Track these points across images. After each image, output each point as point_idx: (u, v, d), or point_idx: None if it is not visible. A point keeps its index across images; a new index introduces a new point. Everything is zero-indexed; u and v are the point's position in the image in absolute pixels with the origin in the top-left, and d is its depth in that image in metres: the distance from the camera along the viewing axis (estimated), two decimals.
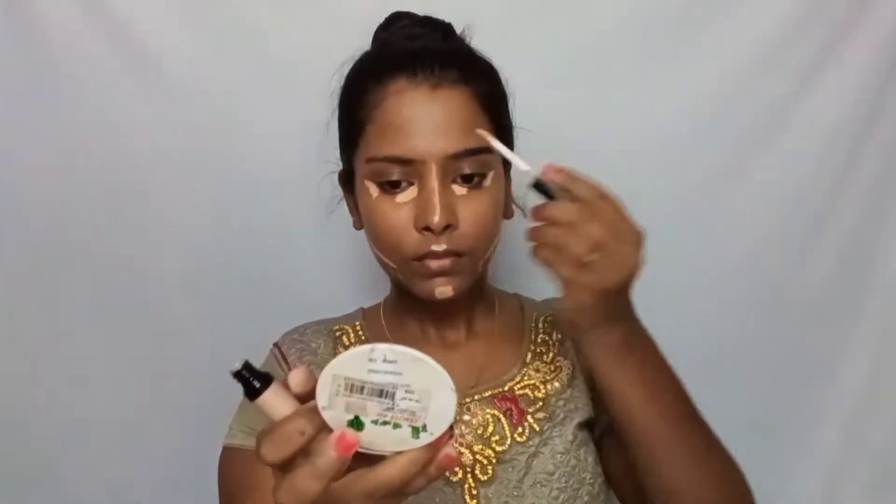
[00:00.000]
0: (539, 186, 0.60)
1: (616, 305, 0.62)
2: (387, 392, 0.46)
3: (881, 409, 1.15)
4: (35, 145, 1.05)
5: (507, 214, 0.79)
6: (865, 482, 1.16)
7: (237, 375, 0.48)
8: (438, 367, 0.46)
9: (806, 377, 1.15)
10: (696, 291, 1.12)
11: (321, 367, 0.76)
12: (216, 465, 0.78)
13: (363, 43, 0.78)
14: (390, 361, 0.46)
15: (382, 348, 0.46)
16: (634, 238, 0.59)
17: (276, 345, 0.82)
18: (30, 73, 1.03)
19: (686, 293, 1.11)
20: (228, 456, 0.77)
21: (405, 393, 0.46)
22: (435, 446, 0.48)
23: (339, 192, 0.81)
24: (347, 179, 0.77)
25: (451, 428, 0.48)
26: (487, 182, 0.70)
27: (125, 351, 1.10)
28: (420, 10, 0.78)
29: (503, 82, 0.76)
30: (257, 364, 0.77)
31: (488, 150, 0.69)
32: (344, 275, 1.09)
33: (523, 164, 0.62)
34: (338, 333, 0.81)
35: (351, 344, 0.80)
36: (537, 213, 0.60)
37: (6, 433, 1.11)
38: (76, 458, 1.11)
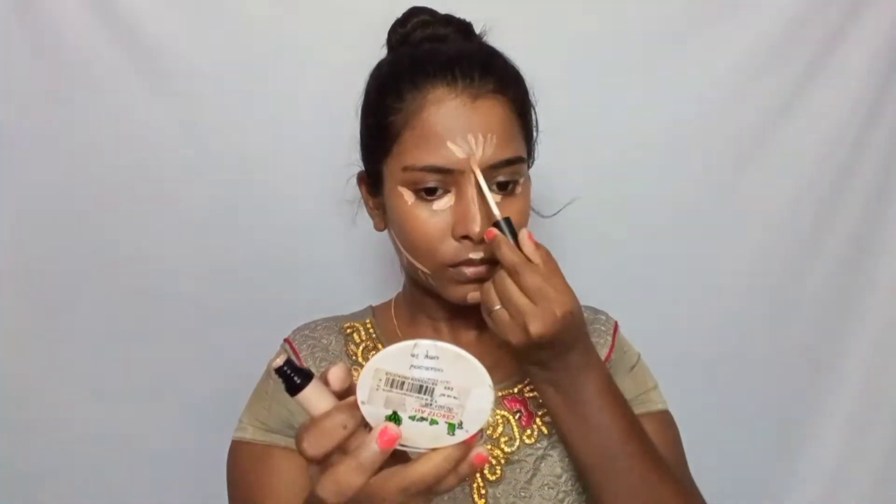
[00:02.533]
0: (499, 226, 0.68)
1: (531, 356, 0.67)
2: (426, 388, 0.49)
3: (882, 407, 1.21)
4: (48, 146, 1.08)
5: None
6: (868, 479, 1.22)
7: (279, 371, 0.50)
8: (479, 364, 0.49)
9: (808, 376, 1.20)
10: (698, 292, 1.17)
11: (332, 363, 0.78)
12: (222, 463, 0.80)
13: (375, 43, 0.79)
14: (432, 357, 0.48)
15: (425, 344, 0.49)
16: (548, 317, 0.63)
17: (286, 340, 0.84)
18: (44, 77, 1.06)
19: (689, 293, 1.16)
20: (238, 449, 0.79)
21: (444, 389, 0.49)
22: (468, 444, 0.50)
23: (348, 188, 0.83)
24: (372, 182, 0.78)
25: (481, 429, 0.50)
26: (519, 189, 0.73)
27: (133, 350, 1.13)
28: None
29: (528, 88, 0.77)
30: (268, 358, 0.80)
31: (522, 159, 0.72)
32: (352, 273, 1.12)
33: (497, 212, 0.68)
34: (348, 331, 0.84)
35: (362, 341, 0.82)
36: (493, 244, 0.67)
37: (8, 433, 1.12)
38: (80, 458, 1.14)
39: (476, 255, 0.71)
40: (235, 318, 1.12)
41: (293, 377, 0.50)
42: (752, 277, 1.18)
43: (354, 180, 0.82)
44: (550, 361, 0.67)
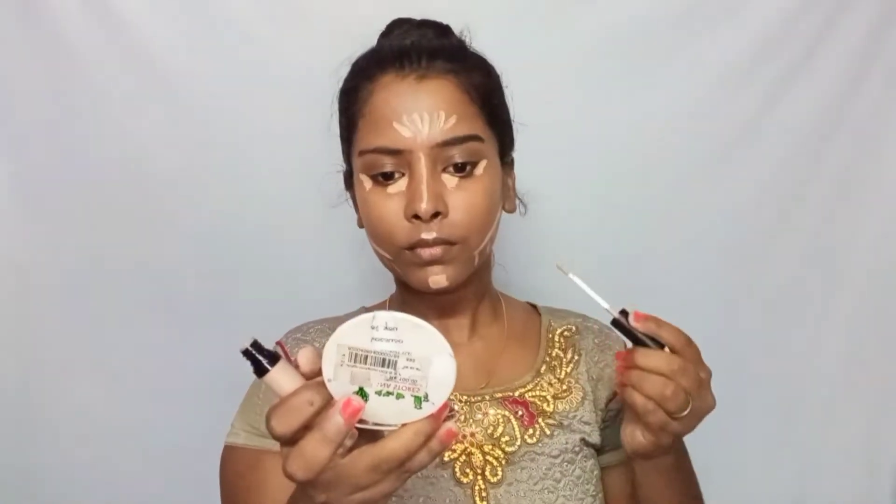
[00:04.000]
0: (617, 324, 0.64)
1: (678, 440, 0.70)
2: (389, 361, 0.49)
3: (854, 403, 1.24)
4: (56, 151, 1.13)
5: (509, 208, 0.82)
6: (840, 475, 1.24)
7: (246, 353, 0.51)
8: (437, 332, 0.49)
9: (780, 372, 1.23)
10: (671, 287, 1.20)
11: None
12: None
13: (363, 48, 0.81)
14: (391, 329, 0.49)
15: (384, 315, 0.49)
16: (709, 381, 0.65)
17: (279, 343, 0.84)
18: (44, 80, 1.11)
19: (661, 288, 1.19)
20: (230, 455, 0.80)
21: (406, 361, 0.49)
22: (436, 418, 0.50)
23: (341, 190, 0.85)
24: (348, 177, 0.81)
25: (451, 409, 0.50)
26: (479, 171, 0.73)
27: (137, 346, 1.17)
28: (419, 15, 0.81)
29: (497, 76, 0.79)
30: None
31: (478, 138, 0.72)
32: (349, 274, 1.14)
33: (604, 303, 0.64)
34: None
35: None
36: (628, 359, 0.63)
37: (11, 427, 1.17)
38: (84, 452, 1.18)
39: (429, 234, 0.71)
40: (235, 320, 1.15)
41: (260, 359, 0.51)
42: (723, 273, 1.22)
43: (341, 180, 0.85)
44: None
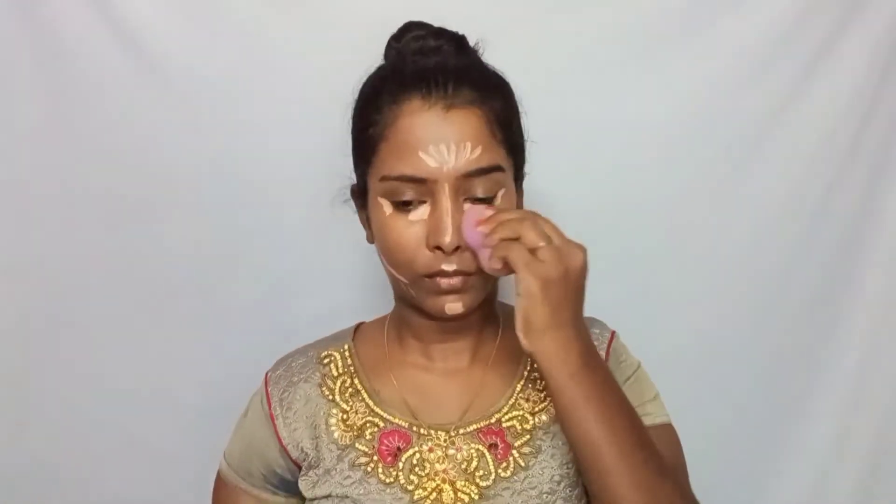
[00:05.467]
0: None
1: (564, 307, 0.63)
2: None
3: (870, 407, 1.21)
4: (54, 151, 1.12)
5: None
6: (854, 480, 1.22)
7: None
8: None
9: (795, 377, 1.22)
10: (687, 293, 1.19)
11: (301, 416, 0.79)
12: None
13: (372, 47, 0.79)
14: None
15: None
16: (579, 246, 0.66)
17: (265, 377, 0.85)
18: (45, 80, 1.10)
19: (678, 294, 1.18)
20: (218, 480, 0.87)
21: None
22: None
23: (347, 202, 0.84)
24: (360, 194, 0.79)
25: None
26: (498, 201, 0.73)
27: (136, 348, 1.17)
28: (422, 17, 0.79)
29: (514, 98, 0.78)
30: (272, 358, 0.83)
31: (500, 168, 0.73)
32: (350, 277, 1.14)
33: None
34: (326, 360, 0.83)
35: (339, 375, 0.81)
36: (489, 220, 0.67)
37: (9, 430, 1.18)
38: (80, 458, 1.18)
39: (449, 266, 0.71)
40: (237, 317, 1.16)
41: None
42: (740, 278, 1.19)
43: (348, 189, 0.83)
44: (577, 323, 0.65)
